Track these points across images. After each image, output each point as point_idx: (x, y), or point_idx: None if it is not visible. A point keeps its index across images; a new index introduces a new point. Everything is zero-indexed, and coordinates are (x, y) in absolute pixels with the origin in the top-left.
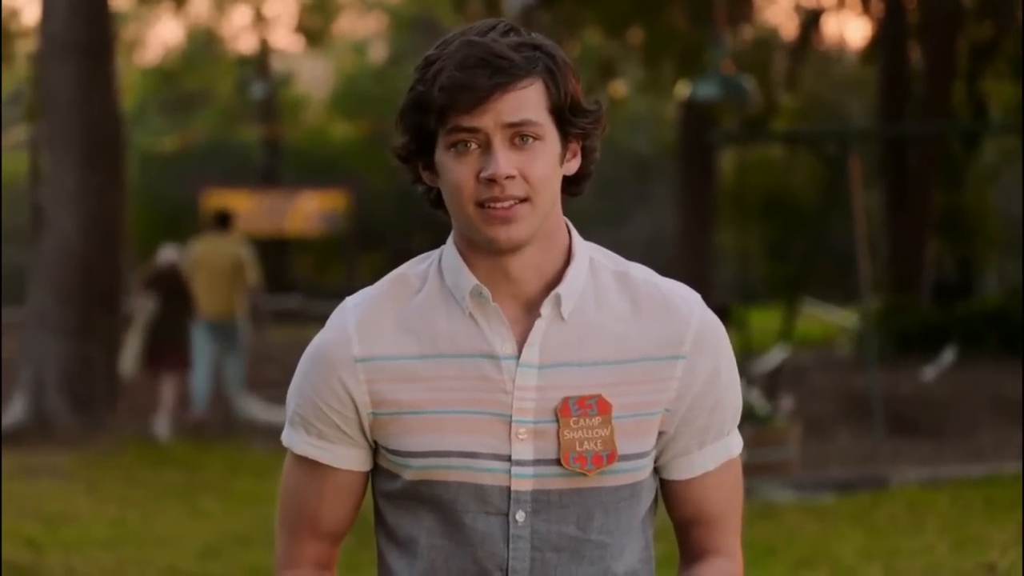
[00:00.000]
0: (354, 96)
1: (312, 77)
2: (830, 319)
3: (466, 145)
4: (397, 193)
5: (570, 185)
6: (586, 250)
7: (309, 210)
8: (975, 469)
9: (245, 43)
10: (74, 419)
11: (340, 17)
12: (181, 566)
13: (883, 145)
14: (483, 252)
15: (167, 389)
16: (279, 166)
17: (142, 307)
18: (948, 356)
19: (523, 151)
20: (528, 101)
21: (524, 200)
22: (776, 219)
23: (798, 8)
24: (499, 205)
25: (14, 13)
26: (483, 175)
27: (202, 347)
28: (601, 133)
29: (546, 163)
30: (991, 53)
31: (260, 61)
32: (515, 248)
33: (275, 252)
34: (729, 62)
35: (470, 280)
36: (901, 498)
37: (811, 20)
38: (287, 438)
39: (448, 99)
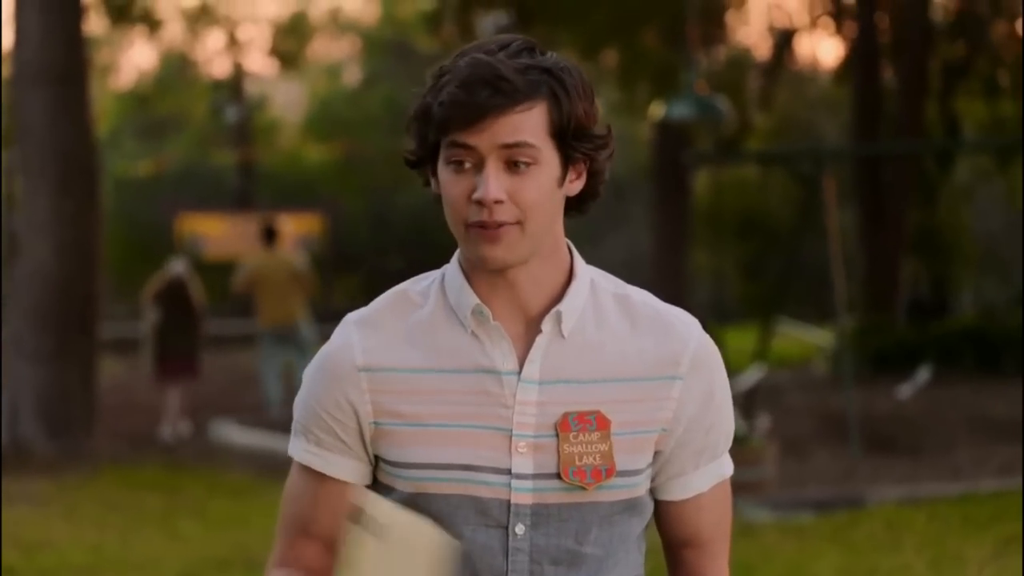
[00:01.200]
0: (328, 119)
1: (286, 101)
2: (806, 338)
3: (461, 164)
4: (371, 216)
5: (575, 203)
6: (587, 271)
7: (284, 234)
8: (952, 487)
9: (219, 67)
10: (51, 445)
11: (314, 41)
12: None
13: (857, 164)
14: (483, 269)
15: (172, 397)
16: (254, 190)
17: (148, 319)
18: (924, 374)
19: (516, 175)
20: (526, 124)
21: (515, 223)
22: (751, 239)
23: (771, 29)
24: (488, 228)
25: None
26: (474, 196)
27: (269, 356)
28: (609, 157)
29: (540, 188)
30: (963, 72)
31: (234, 85)
32: (505, 268)
33: None
34: (703, 83)
35: (472, 299)
36: (878, 516)
37: (784, 40)
38: (290, 446)
39: (446, 115)
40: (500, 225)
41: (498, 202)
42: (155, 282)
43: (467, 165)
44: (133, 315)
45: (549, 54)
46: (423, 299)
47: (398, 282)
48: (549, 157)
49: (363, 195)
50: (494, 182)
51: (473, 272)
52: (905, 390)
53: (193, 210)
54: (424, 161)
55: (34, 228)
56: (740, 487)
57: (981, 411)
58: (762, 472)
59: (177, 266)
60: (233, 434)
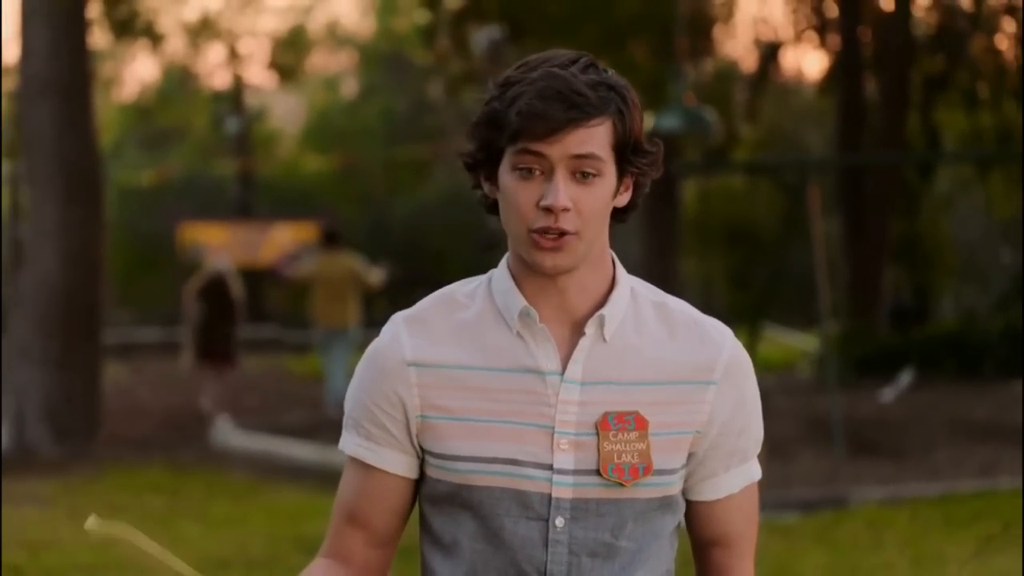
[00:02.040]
0: (326, 130)
1: (285, 112)
2: (791, 343)
3: (531, 171)
4: (368, 224)
5: (617, 214)
6: (628, 279)
7: (283, 242)
8: (933, 487)
9: (220, 80)
10: (56, 448)
11: (312, 54)
12: None
13: (841, 174)
14: (534, 273)
15: (213, 384)
16: (253, 199)
17: (190, 313)
18: (906, 378)
19: (582, 185)
20: (596, 138)
21: (575, 233)
22: (738, 247)
23: (757, 42)
24: (550, 236)
25: None
26: (542, 203)
27: (326, 355)
28: (656, 172)
29: (601, 199)
30: (943, 84)
31: (234, 97)
32: (560, 274)
33: (250, 283)
34: (691, 95)
35: (520, 301)
36: (861, 516)
37: (770, 53)
38: (342, 441)
39: (523, 124)
40: (563, 234)
41: (566, 210)
42: (198, 278)
43: (536, 173)
44: (136, 321)
45: (610, 71)
46: (470, 300)
47: (395, 288)
48: (610, 170)
49: (360, 204)
50: (563, 190)
51: (522, 276)
52: (887, 394)
53: (194, 219)
54: (482, 165)
55: (40, 237)
56: None
57: (961, 414)
58: None
59: (219, 262)
60: (234, 438)
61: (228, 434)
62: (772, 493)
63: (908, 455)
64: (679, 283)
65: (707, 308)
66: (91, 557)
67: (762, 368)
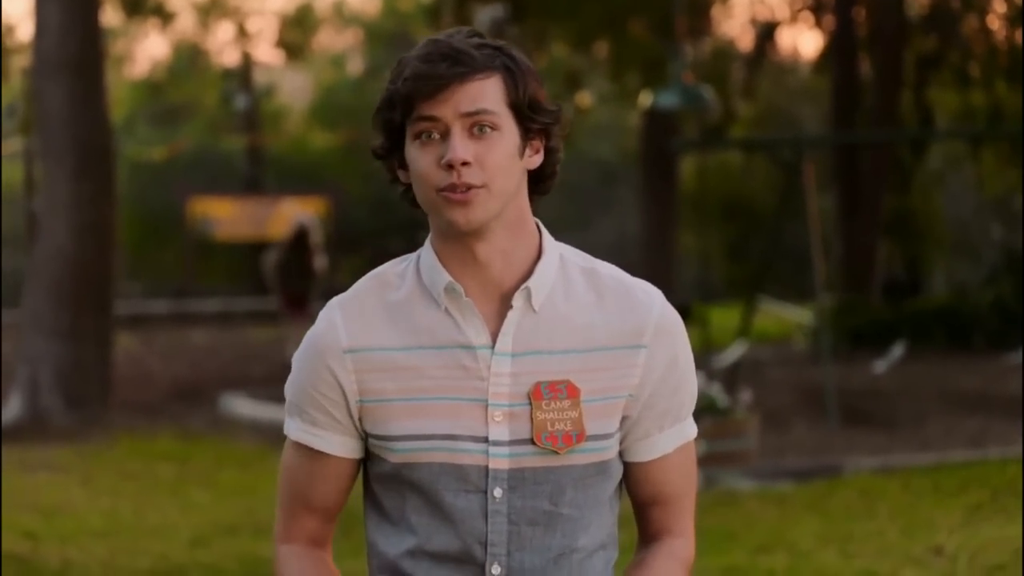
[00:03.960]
0: (332, 107)
1: (292, 89)
2: (786, 316)
3: (429, 135)
4: (374, 199)
5: (536, 183)
6: (556, 247)
7: (290, 216)
8: (924, 457)
9: (229, 57)
10: (68, 416)
11: (319, 32)
12: (172, 555)
13: (835, 151)
14: (453, 242)
15: (292, 328)
16: (262, 174)
17: (271, 257)
18: (898, 351)
19: (480, 140)
20: (486, 92)
21: (481, 187)
22: (735, 222)
23: (754, 22)
24: (457, 191)
25: (10, 30)
26: (443, 161)
27: None
28: (563, 133)
29: (502, 152)
30: (936, 64)
31: (243, 74)
32: (475, 230)
33: (258, 256)
34: (689, 73)
35: (444, 277)
36: (854, 485)
37: (766, 33)
38: (285, 426)
39: (411, 88)
40: (468, 188)
41: (465, 164)
42: (287, 228)
43: (434, 136)
44: (147, 293)
45: (496, 40)
46: (400, 280)
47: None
48: (509, 126)
49: (366, 179)
50: (460, 144)
51: (445, 252)
52: (880, 365)
53: (204, 193)
54: (391, 152)
55: (54, 210)
56: (723, 457)
57: (952, 385)
58: (744, 443)
59: (304, 217)
60: (242, 406)
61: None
62: (767, 462)
63: (900, 425)
64: (677, 257)
65: (705, 281)
66: (103, 522)
67: (758, 340)
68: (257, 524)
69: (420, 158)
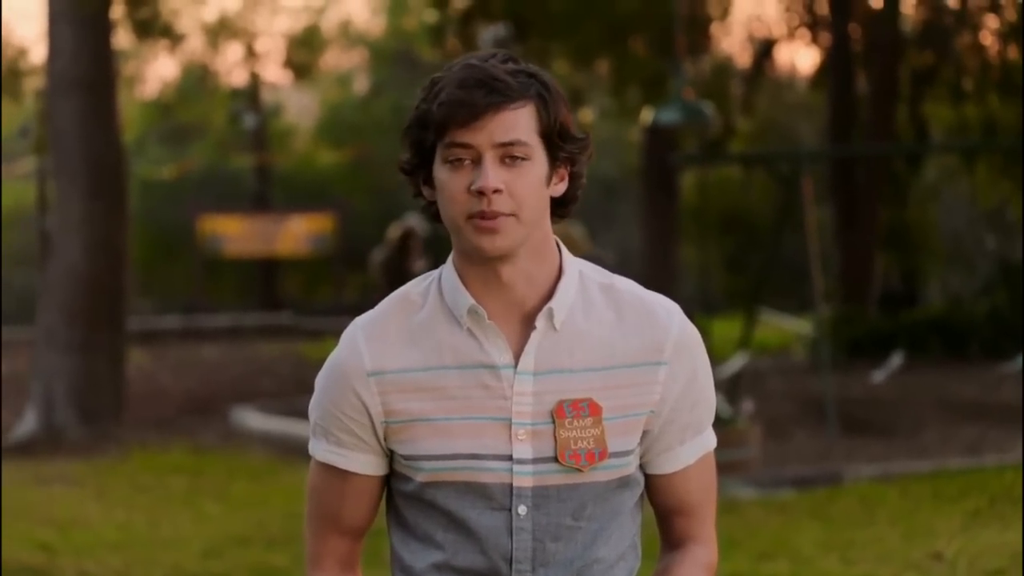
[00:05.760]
0: (339, 125)
1: (300, 108)
2: (786, 327)
3: (460, 161)
4: (380, 215)
5: (557, 207)
6: (575, 264)
7: (298, 232)
8: (922, 464)
9: (237, 77)
10: (82, 430)
11: (325, 52)
12: (185, 566)
13: (832, 165)
14: (477, 264)
15: None
16: (269, 191)
17: (377, 256)
18: (896, 360)
19: (511, 169)
20: (519, 122)
21: (510, 215)
22: (735, 235)
23: (752, 39)
24: (486, 219)
25: (22, 52)
26: (473, 187)
27: None
28: (588, 160)
29: (532, 182)
30: (931, 79)
31: (251, 94)
32: (501, 256)
33: (266, 272)
34: (689, 89)
35: (467, 299)
36: (854, 493)
37: (764, 50)
38: (311, 447)
39: (446, 114)
40: (497, 215)
41: (497, 191)
42: (396, 227)
43: (466, 162)
44: (158, 309)
45: (529, 64)
46: (423, 299)
47: (406, 277)
48: (539, 156)
49: (372, 196)
50: (492, 173)
51: (467, 273)
52: (878, 375)
53: (213, 211)
54: (418, 168)
55: (66, 228)
56: (726, 466)
57: (949, 394)
58: (746, 452)
59: (413, 220)
60: (253, 420)
61: None
62: (769, 470)
63: (898, 433)
64: (678, 269)
65: (705, 294)
66: (117, 535)
67: (758, 351)
68: (268, 535)
69: (450, 182)
